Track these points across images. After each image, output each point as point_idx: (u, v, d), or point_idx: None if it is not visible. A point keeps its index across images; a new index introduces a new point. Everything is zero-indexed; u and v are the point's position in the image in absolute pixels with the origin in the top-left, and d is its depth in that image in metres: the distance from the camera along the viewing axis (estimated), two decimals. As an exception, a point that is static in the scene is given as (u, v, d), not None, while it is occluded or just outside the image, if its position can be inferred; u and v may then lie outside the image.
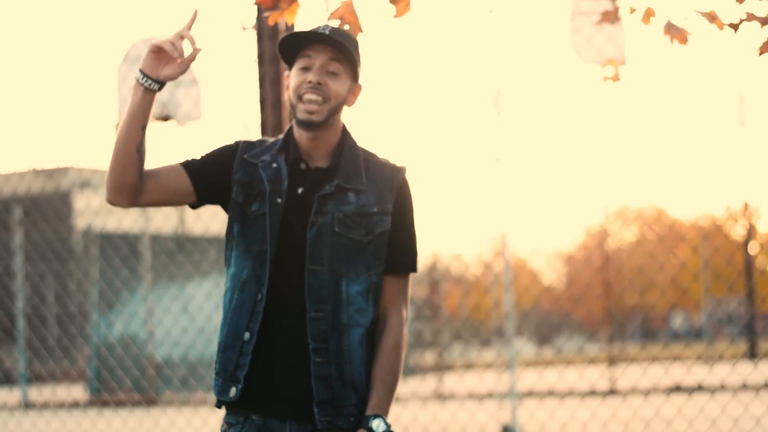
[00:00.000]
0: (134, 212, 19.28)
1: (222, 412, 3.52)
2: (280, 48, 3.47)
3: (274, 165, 3.46)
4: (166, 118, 14.18)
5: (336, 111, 3.45)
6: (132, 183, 3.48)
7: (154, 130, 14.38)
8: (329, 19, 3.98)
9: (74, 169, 22.16)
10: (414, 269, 3.54)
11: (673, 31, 4.17)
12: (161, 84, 3.49)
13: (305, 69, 3.43)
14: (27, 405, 15.82)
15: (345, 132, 3.53)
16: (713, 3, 4.13)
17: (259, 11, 6.27)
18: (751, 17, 4.04)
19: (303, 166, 3.46)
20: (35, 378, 18.49)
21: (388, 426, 3.38)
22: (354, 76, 3.49)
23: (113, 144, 3.44)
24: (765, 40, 4.02)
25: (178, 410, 11.86)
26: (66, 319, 15.76)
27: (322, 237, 3.40)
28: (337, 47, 3.43)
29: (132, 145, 3.48)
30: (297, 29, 3.55)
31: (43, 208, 17.46)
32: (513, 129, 12.52)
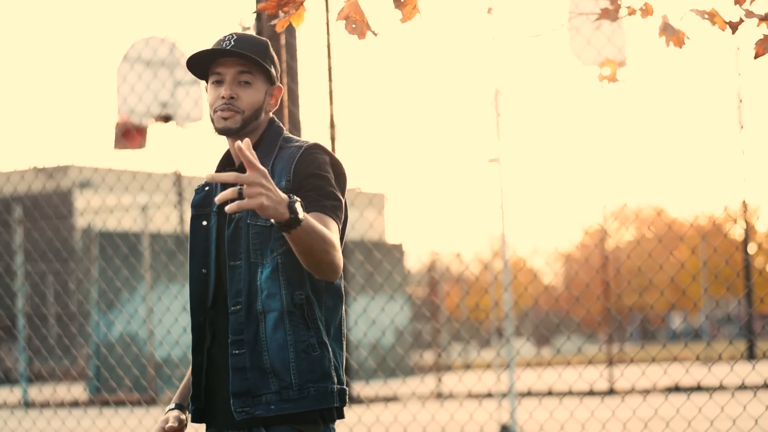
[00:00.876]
0: (134, 212, 19.29)
1: None
2: (189, 68, 3.51)
3: (206, 188, 3.56)
4: (166, 119, 14.20)
5: (252, 119, 3.48)
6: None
7: (154, 130, 14.39)
8: (337, 20, 3.98)
9: (75, 168, 22.18)
10: (320, 209, 3.34)
11: (669, 32, 4.18)
12: None
13: (217, 83, 3.48)
14: (27, 404, 15.84)
15: (268, 129, 3.54)
16: (713, 3, 4.14)
17: (259, 14, 6.29)
18: (750, 14, 4.05)
19: (228, 169, 3.54)
20: (35, 377, 18.50)
21: (301, 205, 3.10)
22: (269, 79, 3.52)
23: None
24: (761, 38, 4.03)
25: (178, 409, 11.84)
26: (66, 319, 15.77)
27: (239, 231, 3.43)
28: (244, 58, 3.45)
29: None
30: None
31: (43, 207, 17.48)
32: (512, 129, 12.53)
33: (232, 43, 3.45)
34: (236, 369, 3.39)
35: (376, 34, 4.00)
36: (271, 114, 3.57)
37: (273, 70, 3.52)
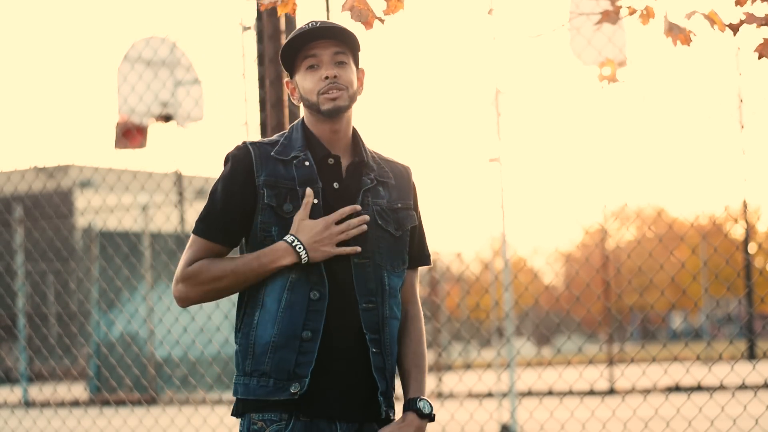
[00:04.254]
0: (135, 211, 19.29)
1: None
2: (283, 55, 3.42)
3: (306, 163, 3.39)
4: (167, 119, 14.20)
5: (354, 98, 3.43)
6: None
7: (154, 130, 14.40)
8: (342, 11, 3.97)
9: (75, 167, 22.16)
10: (430, 262, 3.62)
11: (676, 31, 4.18)
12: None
13: (313, 68, 3.39)
14: (28, 403, 15.84)
15: (355, 129, 3.52)
16: (713, 4, 4.15)
17: (259, 12, 6.29)
18: (750, 18, 4.05)
19: (331, 161, 3.41)
20: (36, 377, 18.49)
21: (432, 408, 3.43)
22: (357, 62, 3.47)
23: (213, 276, 3.35)
24: (761, 41, 4.03)
25: (178, 409, 11.88)
26: (66, 318, 15.75)
27: (368, 229, 3.39)
28: (339, 37, 3.40)
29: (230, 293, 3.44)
30: (298, 24, 3.56)
31: (43, 206, 17.47)
32: (513, 129, 12.53)
33: (319, 24, 3.39)
34: (378, 368, 3.40)
35: (383, 21, 3.99)
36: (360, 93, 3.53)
37: (358, 54, 3.48)
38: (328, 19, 7.45)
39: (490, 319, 21.05)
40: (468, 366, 18.39)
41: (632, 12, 4.31)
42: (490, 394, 12.46)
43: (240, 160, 3.38)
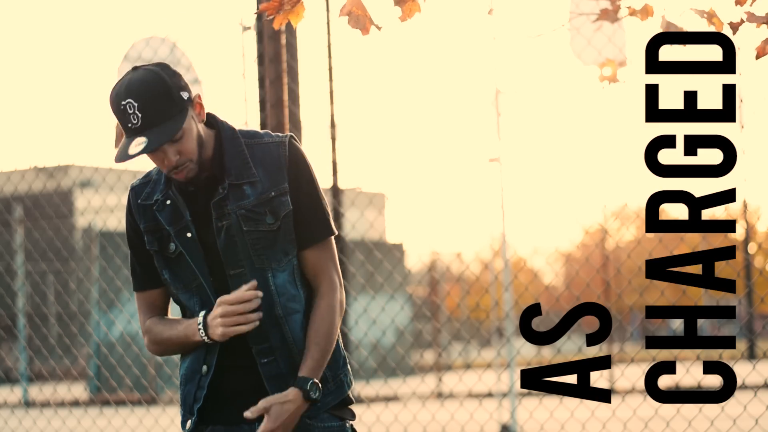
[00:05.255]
0: (134, 211, 19.29)
1: None
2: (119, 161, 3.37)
3: (168, 202, 3.40)
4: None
5: (201, 152, 3.36)
6: None
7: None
8: (339, 16, 3.97)
9: (75, 167, 22.15)
10: (331, 232, 3.45)
11: (671, 29, 4.18)
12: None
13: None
14: (28, 403, 15.84)
15: (219, 131, 3.44)
16: (712, 3, 4.15)
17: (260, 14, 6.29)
18: (751, 17, 4.05)
19: (191, 188, 3.40)
20: (36, 376, 18.50)
21: (320, 392, 3.35)
22: (184, 109, 3.32)
23: (158, 340, 3.50)
24: (762, 41, 4.03)
25: (178, 409, 11.87)
26: (66, 318, 15.76)
27: (233, 238, 3.35)
28: (163, 140, 3.30)
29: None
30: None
31: (43, 206, 17.47)
32: (513, 129, 12.52)
33: (139, 121, 3.27)
34: (272, 377, 3.37)
35: (379, 28, 3.99)
36: (205, 116, 3.44)
37: (184, 95, 3.36)
38: (327, 22, 7.46)
39: (490, 319, 21.05)
40: (468, 366, 18.40)
41: (632, 12, 4.31)
42: (490, 394, 12.46)
43: (127, 216, 3.51)
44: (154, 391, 16.36)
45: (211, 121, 3.48)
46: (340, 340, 3.47)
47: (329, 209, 3.50)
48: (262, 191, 3.37)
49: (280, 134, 3.48)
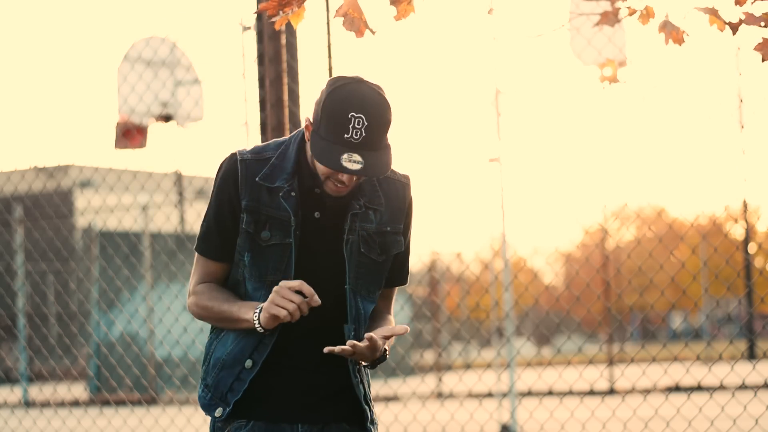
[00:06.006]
0: (135, 211, 19.29)
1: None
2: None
3: (293, 194, 3.35)
4: (167, 119, 14.21)
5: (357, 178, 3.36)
6: None
7: (154, 130, 14.41)
8: (335, 16, 3.96)
9: (75, 167, 22.18)
10: (407, 282, 3.58)
11: (669, 28, 4.18)
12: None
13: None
14: (28, 403, 15.84)
15: None
16: (713, 3, 4.14)
17: (261, 14, 6.29)
18: (750, 18, 4.04)
19: (317, 191, 3.36)
20: (36, 376, 18.50)
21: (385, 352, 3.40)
22: (388, 142, 3.33)
23: (207, 306, 3.42)
24: (761, 41, 4.02)
25: (178, 409, 11.88)
26: (66, 318, 15.76)
27: (352, 255, 3.37)
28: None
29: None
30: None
31: (43, 206, 17.48)
32: (513, 129, 12.53)
33: (361, 139, 3.21)
34: (358, 395, 3.45)
35: (374, 32, 4.00)
36: None
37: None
38: (327, 21, 7.46)
39: (490, 319, 21.06)
40: (468, 366, 18.40)
41: (632, 12, 4.31)
42: (490, 394, 12.46)
43: (227, 179, 3.38)
44: (154, 391, 16.36)
45: None
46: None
47: None
48: (380, 222, 3.42)
49: (404, 174, 3.51)
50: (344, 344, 3.29)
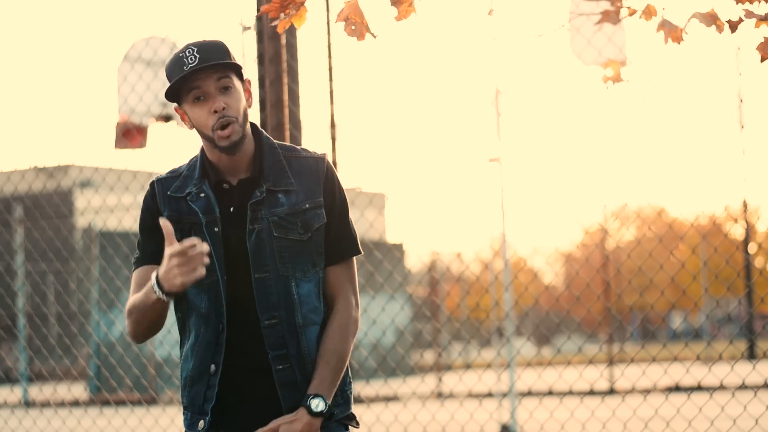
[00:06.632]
0: (135, 211, 19.29)
1: None
2: (168, 95, 3.44)
3: (202, 195, 3.43)
4: (167, 119, 14.20)
5: (246, 121, 3.44)
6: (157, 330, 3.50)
7: (154, 130, 14.41)
8: (336, 21, 3.97)
9: (75, 167, 22.17)
10: (356, 252, 3.53)
11: (668, 27, 4.17)
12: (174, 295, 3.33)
13: (199, 99, 3.41)
14: (28, 403, 15.84)
15: (258, 136, 3.51)
16: (713, 3, 4.14)
17: (259, 11, 6.29)
18: (749, 14, 4.04)
19: (226, 186, 3.44)
20: (36, 376, 18.51)
21: (328, 406, 3.38)
22: (240, 76, 3.47)
23: (134, 313, 3.41)
24: (762, 40, 4.02)
25: (178, 409, 11.87)
26: (66, 318, 15.76)
27: (262, 243, 3.38)
28: (218, 67, 3.40)
29: (154, 327, 3.46)
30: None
31: (43, 206, 17.48)
32: (513, 129, 12.52)
33: (197, 56, 3.37)
34: (285, 384, 3.39)
35: (375, 36, 4.00)
36: (251, 104, 3.52)
37: (239, 65, 3.48)
38: (328, 22, 7.47)
39: (490, 319, 21.06)
40: (468, 366, 18.40)
41: (632, 12, 4.31)
42: (490, 394, 12.46)
43: (147, 202, 3.50)
44: (154, 391, 16.36)
45: (254, 129, 3.53)
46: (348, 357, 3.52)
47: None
48: (296, 202, 3.44)
49: (317, 152, 3.55)
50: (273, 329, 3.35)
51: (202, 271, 3.21)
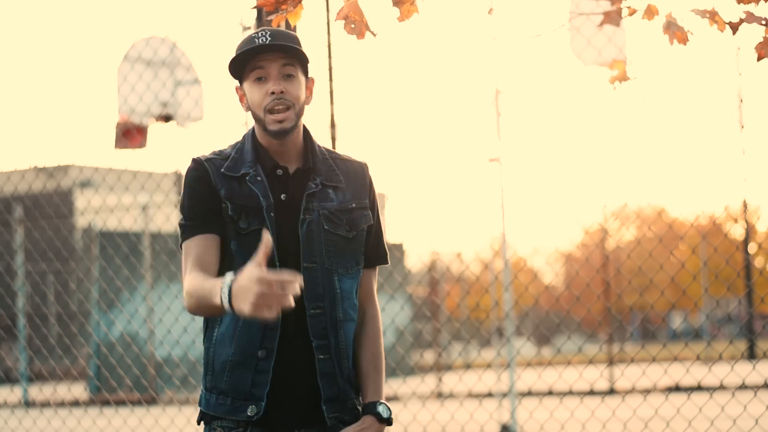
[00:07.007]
0: (135, 211, 19.29)
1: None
2: (230, 65, 3.42)
3: (259, 178, 3.43)
4: (167, 119, 14.20)
5: (301, 113, 3.46)
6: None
7: (154, 130, 14.42)
8: (336, 19, 3.97)
9: (75, 167, 22.18)
10: (387, 261, 3.62)
11: (673, 29, 4.18)
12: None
13: (260, 80, 3.41)
14: (28, 403, 15.84)
15: (307, 133, 3.54)
16: (713, 3, 4.14)
17: (260, 12, 6.29)
18: (750, 17, 4.04)
19: (280, 172, 3.45)
20: (36, 376, 18.50)
21: (390, 411, 3.49)
22: (305, 71, 3.49)
23: (194, 297, 3.30)
24: (761, 40, 4.02)
25: (178, 409, 11.88)
26: (66, 318, 15.76)
27: (312, 234, 3.41)
28: (286, 51, 3.41)
29: (214, 315, 3.39)
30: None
31: (43, 206, 17.49)
32: (513, 129, 12.52)
33: (268, 37, 3.39)
34: (325, 374, 3.40)
35: (375, 35, 4.01)
36: (311, 102, 3.55)
37: (307, 60, 3.51)
38: (327, 21, 7.46)
39: (490, 319, 21.05)
40: (468, 366, 18.39)
41: (632, 12, 4.31)
42: (490, 394, 12.46)
43: (199, 176, 3.42)
44: (154, 391, 16.35)
45: (304, 128, 3.56)
46: None
47: None
48: (343, 200, 3.48)
49: (363, 161, 3.61)
50: (316, 320, 3.35)
51: (274, 314, 2.97)
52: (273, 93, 3.39)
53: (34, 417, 10.94)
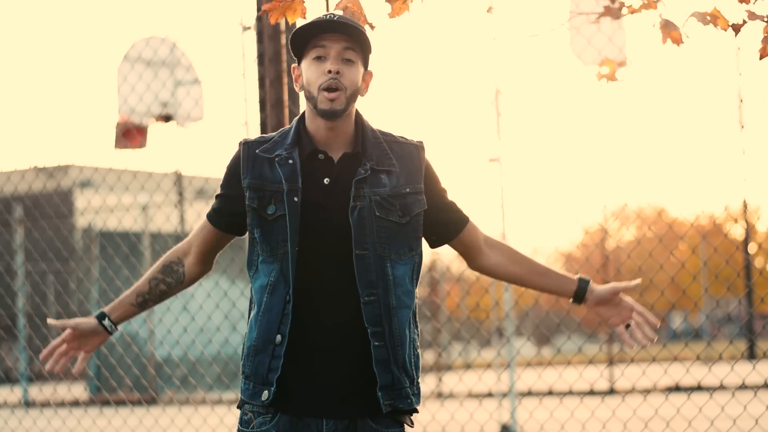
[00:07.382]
0: (135, 211, 19.28)
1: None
2: (293, 40, 3.40)
3: (290, 161, 3.39)
4: (167, 119, 14.20)
5: (353, 99, 3.42)
6: (177, 283, 3.66)
7: (154, 130, 14.41)
8: (335, 9, 3.97)
9: (75, 167, 22.16)
10: (467, 221, 3.68)
11: (670, 28, 4.17)
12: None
13: (320, 59, 3.38)
14: (28, 403, 15.83)
15: (359, 117, 3.50)
16: (714, 3, 4.13)
17: (259, 10, 6.29)
18: (752, 16, 4.03)
19: (321, 156, 3.41)
20: (36, 376, 18.50)
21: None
22: (365, 63, 3.46)
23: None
24: (762, 39, 4.01)
25: (178, 409, 11.88)
26: (67, 318, 15.73)
27: (363, 221, 3.36)
28: (351, 34, 3.39)
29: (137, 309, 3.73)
30: (298, 27, 3.52)
31: (43, 206, 17.47)
32: (513, 128, 12.52)
33: (336, 19, 3.37)
34: (380, 361, 3.39)
35: (373, 27, 4.01)
36: (365, 94, 3.54)
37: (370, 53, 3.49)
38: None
39: (490, 319, 21.05)
40: (468, 366, 18.39)
41: (632, 12, 4.30)
42: (490, 394, 12.45)
43: (231, 165, 3.51)
44: (154, 391, 16.35)
45: (357, 111, 3.54)
46: (420, 349, 3.62)
47: None
48: (396, 185, 3.44)
49: (419, 140, 3.59)
50: (363, 310, 3.35)
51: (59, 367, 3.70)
52: (330, 72, 3.36)
53: (34, 417, 10.94)
